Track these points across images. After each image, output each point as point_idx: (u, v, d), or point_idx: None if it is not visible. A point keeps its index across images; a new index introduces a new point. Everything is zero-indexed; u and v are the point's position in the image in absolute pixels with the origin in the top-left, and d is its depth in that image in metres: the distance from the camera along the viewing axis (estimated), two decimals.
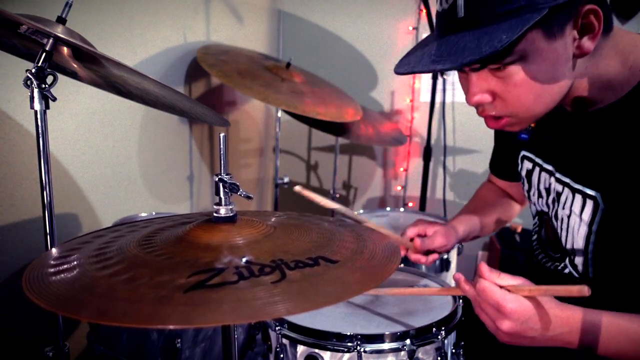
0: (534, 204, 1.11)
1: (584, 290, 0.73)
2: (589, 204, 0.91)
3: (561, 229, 1.00)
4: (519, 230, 2.49)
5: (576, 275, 0.97)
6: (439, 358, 1.01)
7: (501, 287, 0.82)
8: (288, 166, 2.91)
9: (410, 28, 2.64)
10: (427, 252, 1.22)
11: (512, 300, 0.80)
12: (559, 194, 0.99)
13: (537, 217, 1.12)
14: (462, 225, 1.25)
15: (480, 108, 0.88)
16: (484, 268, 0.84)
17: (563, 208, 0.98)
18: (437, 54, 0.78)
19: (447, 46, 0.77)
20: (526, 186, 1.12)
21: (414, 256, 1.22)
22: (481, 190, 1.41)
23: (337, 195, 2.46)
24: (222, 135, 0.75)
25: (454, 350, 1.07)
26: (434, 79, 2.34)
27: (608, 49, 0.84)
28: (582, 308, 0.83)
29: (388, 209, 2.10)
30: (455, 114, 2.64)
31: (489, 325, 0.85)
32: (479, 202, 1.34)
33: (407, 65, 0.83)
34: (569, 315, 0.82)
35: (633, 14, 0.92)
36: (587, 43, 0.79)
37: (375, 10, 2.68)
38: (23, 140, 1.32)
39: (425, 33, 2.58)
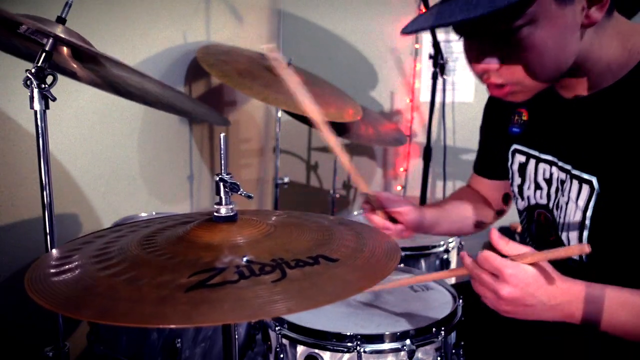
0: (526, 198, 1.09)
1: (584, 248, 0.74)
2: (585, 188, 0.91)
3: (559, 217, 0.99)
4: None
5: (570, 263, 0.97)
6: (439, 358, 1.01)
7: (503, 256, 0.82)
8: (288, 166, 2.91)
9: None
10: (392, 221, 1.17)
11: (511, 266, 0.81)
12: (562, 182, 0.98)
13: (525, 213, 1.11)
14: (430, 211, 1.23)
15: (485, 75, 0.87)
16: (495, 234, 0.85)
17: (563, 196, 0.97)
18: (449, 10, 0.77)
19: (458, 3, 0.76)
20: (518, 181, 1.11)
21: (377, 219, 1.16)
22: (456, 193, 1.41)
23: (337, 196, 2.46)
24: (222, 135, 0.76)
25: (454, 350, 1.07)
26: (434, 79, 2.34)
27: (610, 28, 0.85)
28: (585, 282, 0.83)
29: None
30: (455, 114, 2.64)
31: (489, 297, 0.84)
32: (452, 201, 1.35)
33: (415, 24, 0.82)
34: (570, 285, 0.82)
35: (634, 12, 0.92)
36: (596, 13, 0.80)
37: (375, 10, 2.68)
38: (23, 140, 1.32)
39: (425, 33, 2.58)
